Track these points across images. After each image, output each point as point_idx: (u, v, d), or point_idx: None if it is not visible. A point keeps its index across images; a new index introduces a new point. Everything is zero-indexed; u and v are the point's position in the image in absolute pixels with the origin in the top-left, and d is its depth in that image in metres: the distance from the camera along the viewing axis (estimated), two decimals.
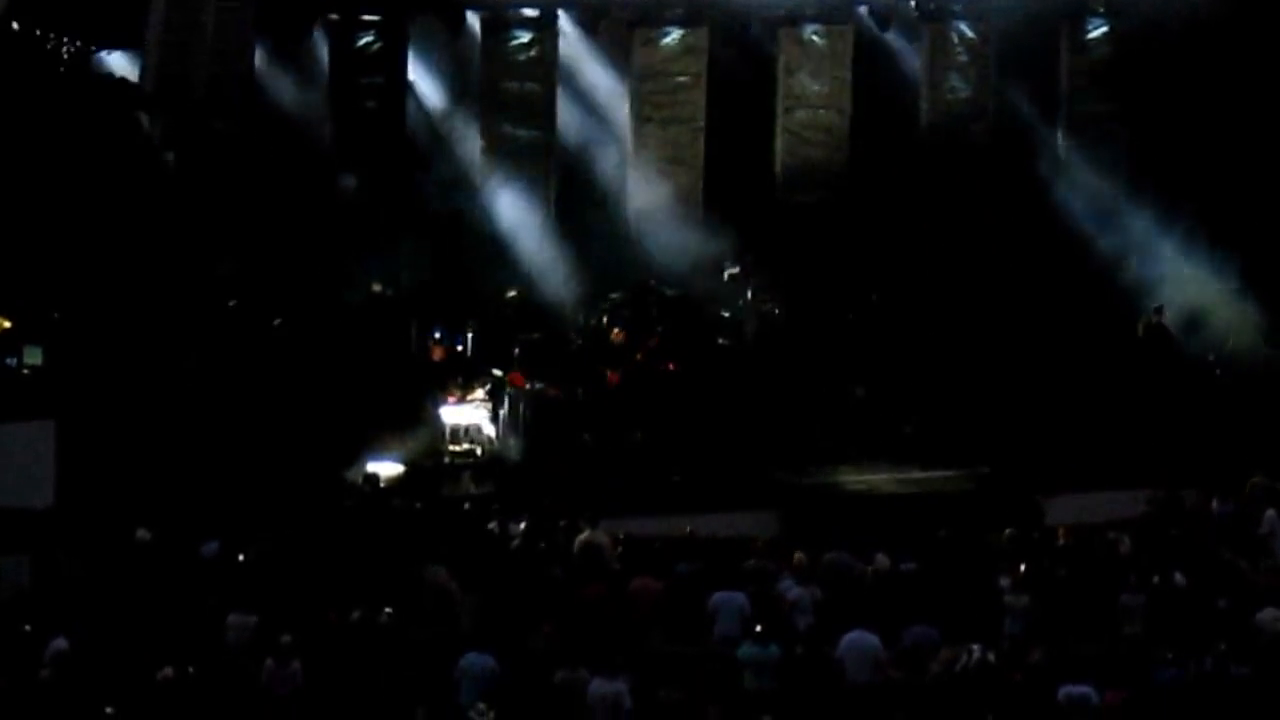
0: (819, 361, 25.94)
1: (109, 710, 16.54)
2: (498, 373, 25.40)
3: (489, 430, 25.02)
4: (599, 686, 17.35)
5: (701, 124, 28.77)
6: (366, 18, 28.08)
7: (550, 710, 17.41)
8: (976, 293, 27.29)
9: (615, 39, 28.94)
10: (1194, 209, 27.40)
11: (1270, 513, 21.65)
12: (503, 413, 25.11)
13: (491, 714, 16.53)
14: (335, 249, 26.26)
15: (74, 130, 25.59)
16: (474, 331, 26.25)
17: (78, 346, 24.08)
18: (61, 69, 25.85)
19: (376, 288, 26.43)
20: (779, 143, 29.12)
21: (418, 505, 22.54)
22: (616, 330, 25.70)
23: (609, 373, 25.24)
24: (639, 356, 25.31)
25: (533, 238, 27.96)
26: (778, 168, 29.11)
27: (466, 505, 22.68)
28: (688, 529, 21.33)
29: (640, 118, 28.89)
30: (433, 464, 24.50)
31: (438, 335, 26.01)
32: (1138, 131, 28.35)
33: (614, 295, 26.95)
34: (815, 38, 28.95)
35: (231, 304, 25.22)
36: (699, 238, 28.02)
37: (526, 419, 25.02)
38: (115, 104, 26.33)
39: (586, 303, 27.08)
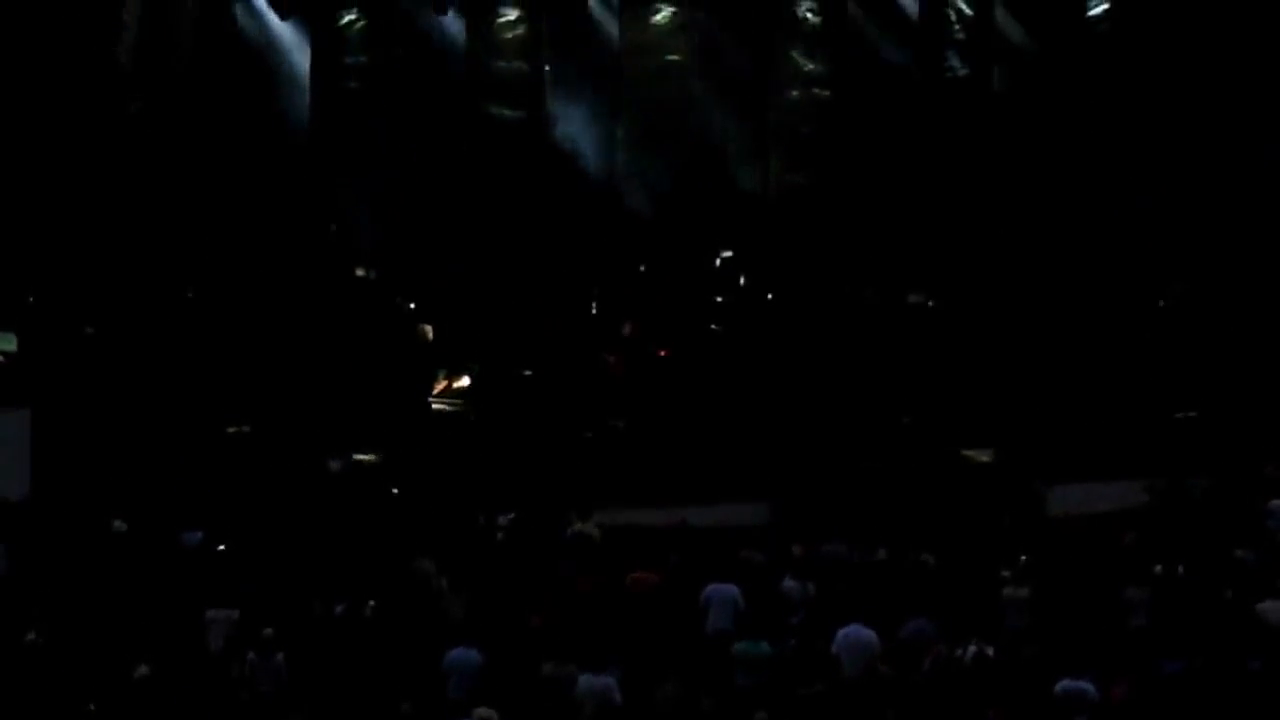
0: (814, 348, 25.50)
1: (90, 707, 16.15)
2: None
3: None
4: (587, 681, 17.02)
5: (691, 103, 28.30)
6: None
7: (539, 705, 17.06)
8: (972, 276, 26.84)
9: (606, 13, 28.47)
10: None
11: (1275, 502, 21.31)
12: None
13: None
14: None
15: (49, 113, 25.16)
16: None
17: (53, 333, 23.74)
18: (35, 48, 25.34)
19: (360, 272, 26.03)
20: (770, 122, 28.66)
21: (402, 496, 22.20)
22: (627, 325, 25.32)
23: (611, 359, 24.85)
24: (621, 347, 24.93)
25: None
26: (770, 147, 28.65)
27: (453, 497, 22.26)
28: (680, 519, 20.94)
29: (629, 97, 28.43)
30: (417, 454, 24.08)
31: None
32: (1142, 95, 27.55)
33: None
34: (809, 14, 28.48)
35: (214, 292, 24.79)
36: (691, 221, 27.57)
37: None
38: (93, 83, 25.83)
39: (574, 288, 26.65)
